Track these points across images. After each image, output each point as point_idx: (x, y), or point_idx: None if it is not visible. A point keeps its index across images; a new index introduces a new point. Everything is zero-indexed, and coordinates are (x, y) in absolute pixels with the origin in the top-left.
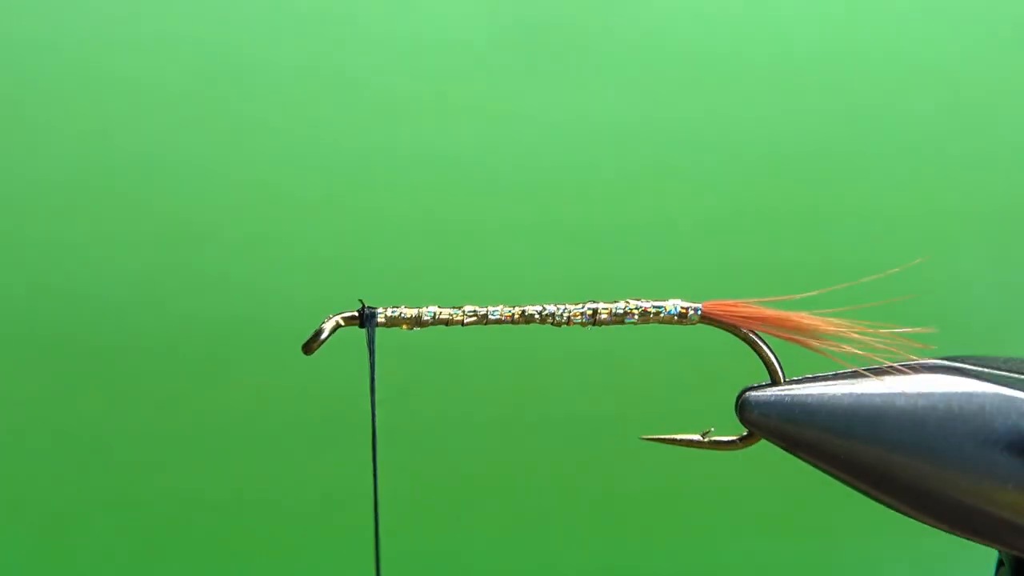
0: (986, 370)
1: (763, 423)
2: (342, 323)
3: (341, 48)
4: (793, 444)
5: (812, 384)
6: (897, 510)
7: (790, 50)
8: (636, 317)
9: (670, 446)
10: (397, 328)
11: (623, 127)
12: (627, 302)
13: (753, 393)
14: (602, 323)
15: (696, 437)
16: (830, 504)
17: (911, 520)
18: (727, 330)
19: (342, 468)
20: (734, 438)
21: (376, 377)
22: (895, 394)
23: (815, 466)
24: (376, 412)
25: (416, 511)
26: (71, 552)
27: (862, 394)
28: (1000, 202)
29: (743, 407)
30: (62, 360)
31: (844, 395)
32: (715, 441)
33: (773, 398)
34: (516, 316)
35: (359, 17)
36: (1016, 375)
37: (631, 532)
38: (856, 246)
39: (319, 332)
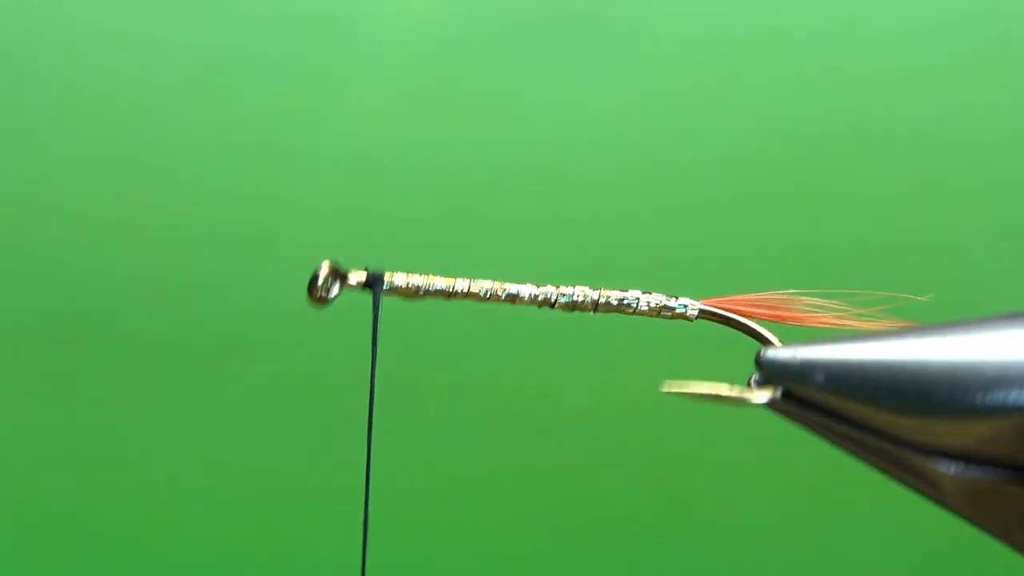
0: None
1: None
2: (338, 268)
3: (342, 47)
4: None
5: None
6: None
7: (792, 46)
8: (644, 308)
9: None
10: (400, 306)
11: (623, 123)
12: (636, 296)
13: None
14: (603, 310)
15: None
16: (830, 506)
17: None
18: (729, 325)
19: (340, 468)
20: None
21: (375, 369)
22: None
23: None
24: (374, 407)
25: (410, 509)
26: (71, 552)
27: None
28: (999, 195)
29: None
30: (57, 359)
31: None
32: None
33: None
34: (539, 298)
35: (360, 16)
36: None
37: (630, 532)
38: (855, 241)
39: (315, 277)
